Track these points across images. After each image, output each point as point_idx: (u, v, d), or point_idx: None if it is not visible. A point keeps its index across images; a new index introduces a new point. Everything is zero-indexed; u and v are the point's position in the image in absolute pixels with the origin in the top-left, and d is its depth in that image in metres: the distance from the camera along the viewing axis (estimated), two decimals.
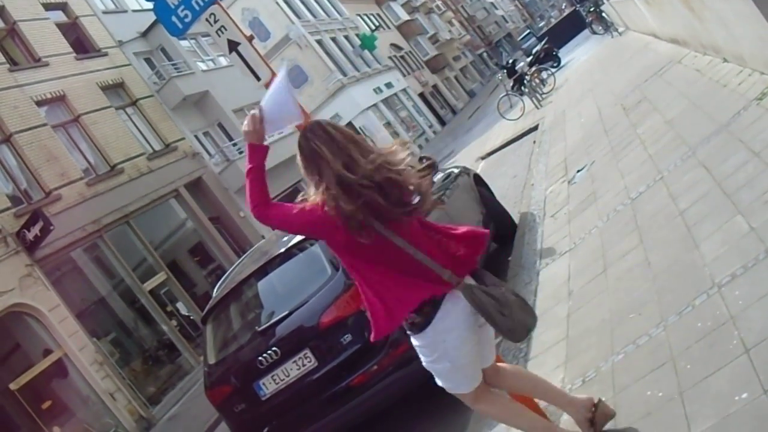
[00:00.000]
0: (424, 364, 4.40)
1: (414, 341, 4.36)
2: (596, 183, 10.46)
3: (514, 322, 4.21)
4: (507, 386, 4.76)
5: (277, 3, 55.07)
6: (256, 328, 7.57)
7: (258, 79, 4.70)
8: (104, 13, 33.89)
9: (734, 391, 3.94)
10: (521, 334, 4.32)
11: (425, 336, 4.23)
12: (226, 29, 4.74)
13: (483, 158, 23.91)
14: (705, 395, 4.13)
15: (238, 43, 4.71)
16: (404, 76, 70.53)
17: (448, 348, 4.20)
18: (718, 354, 4.36)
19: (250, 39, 4.75)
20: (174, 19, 4.86)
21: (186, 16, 4.82)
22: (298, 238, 7.63)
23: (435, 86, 79.03)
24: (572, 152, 13.88)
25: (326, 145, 3.97)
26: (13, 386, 19.81)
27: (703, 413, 4.00)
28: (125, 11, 35.80)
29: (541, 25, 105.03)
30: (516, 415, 4.58)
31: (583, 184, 10.97)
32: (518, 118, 26.82)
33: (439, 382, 4.43)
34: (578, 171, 10.67)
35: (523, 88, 28.98)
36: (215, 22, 4.76)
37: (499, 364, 4.72)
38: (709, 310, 4.89)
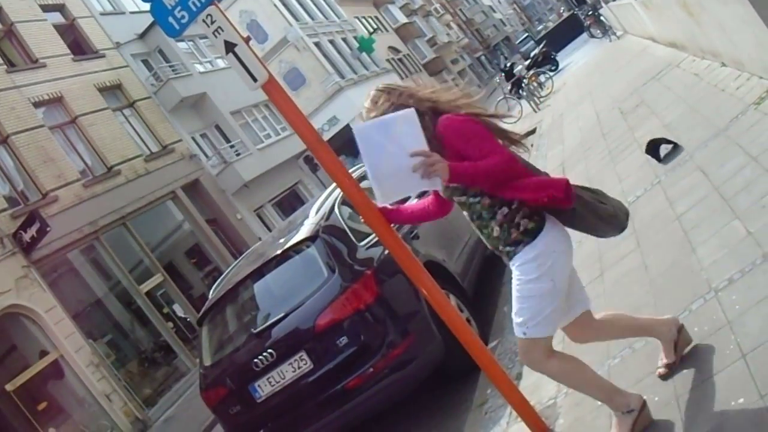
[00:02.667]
0: (518, 287, 4.24)
1: (519, 258, 4.21)
2: (594, 186, 10.42)
3: (615, 208, 4.36)
4: (602, 335, 4.84)
5: (275, 5, 55.01)
6: (252, 330, 7.56)
7: (254, 80, 4.68)
8: (102, 14, 33.89)
9: (731, 396, 3.93)
10: (623, 218, 4.42)
11: (535, 246, 4.12)
12: (222, 30, 4.72)
13: None
14: (701, 400, 4.12)
15: (235, 45, 4.69)
16: (402, 78, 70.52)
17: (556, 263, 4.13)
18: (714, 359, 4.35)
19: (246, 40, 4.74)
20: (171, 20, 4.84)
21: (183, 17, 4.80)
22: (294, 240, 7.63)
23: None
24: (570, 155, 13.88)
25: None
26: (9, 387, 19.81)
27: (699, 418, 3.99)
28: (123, 13, 35.78)
29: (539, 28, 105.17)
30: (584, 374, 4.46)
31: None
32: (516, 122, 26.82)
33: (521, 319, 4.26)
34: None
35: (521, 91, 29.04)
36: (212, 23, 4.74)
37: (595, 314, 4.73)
38: (706, 314, 4.88)
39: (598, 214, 4.25)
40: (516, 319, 4.29)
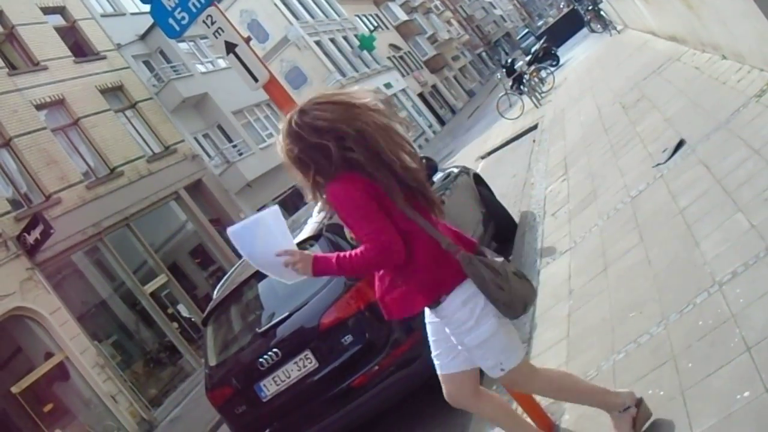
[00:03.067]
0: (462, 340, 4.04)
1: (444, 310, 4.01)
2: (596, 181, 10.44)
3: (512, 296, 3.94)
4: (537, 388, 4.51)
5: (275, 4, 55.06)
6: (257, 329, 7.56)
7: (255, 80, 4.68)
8: (102, 16, 33.93)
9: (736, 390, 3.92)
10: (518, 309, 4.01)
11: (458, 294, 3.95)
12: (223, 31, 4.72)
13: (483, 158, 23.91)
14: (706, 394, 4.11)
15: (236, 45, 4.70)
16: (403, 76, 70.52)
17: (484, 301, 3.93)
18: (719, 352, 4.34)
19: (247, 41, 4.75)
20: (171, 21, 4.85)
21: (183, 18, 4.81)
22: (298, 239, 7.63)
23: (434, 86, 79.02)
24: (572, 151, 13.87)
25: None
26: (14, 389, 19.86)
27: (704, 412, 3.98)
28: (123, 14, 35.82)
29: (539, 24, 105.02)
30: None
31: (584, 182, 10.96)
32: (517, 117, 26.83)
33: (490, 363, 4.10)
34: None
35: (522, 87, 29.00)
36: (212, 23, 4.75)
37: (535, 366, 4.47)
38: (710, 308, 4.87)
39: (492, 297, 3.92)
40: (485, 365, 4.14)
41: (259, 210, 22.69)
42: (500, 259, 4.08)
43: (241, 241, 3.96)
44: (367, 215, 3.78)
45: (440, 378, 4.40)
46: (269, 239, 3.93)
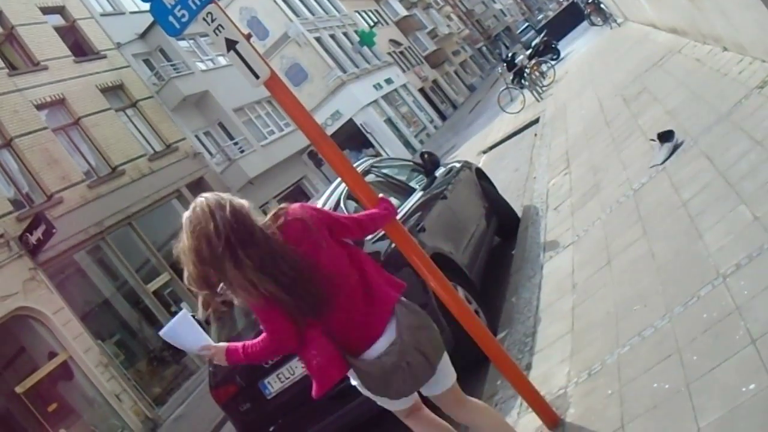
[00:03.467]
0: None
1: None
2: (598, 174, 10.43)
3: (384, 394, 4.24)
4: (467, 419, 4.62)
5: (275, 1, 55.03)
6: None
7: (257, 77, 4.66)
8: (102, 15, 33.94)
9: (741, 383, 3.91)
10: (392, 399, 4.30)
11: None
12: (223, 28, 4.70)
13: (484, 152, 23.91)
14: (712, 387, 4.10)
15: (236, 42, 4.67)
16: (404, 71, 70.51)
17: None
18: (724, 345, 4.33)
19: (248, 37, 4.73)
20: (171, 19, 4.82)
21: (183, 15, 4.79)
22: None
23: (435, 81, 79.00)
24: (573, 144, 13.86)
25: None
26: (18, 390, 19.89)
27: (710, 405, 3.97)
28: (123, 13, 35.81)
29: (539, 17, 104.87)
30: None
31: (586, 176, 10.94)
32: (519, 112, 26.83)
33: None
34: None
35: (523, 81, 28.99)
36: (213, 20, 4.72)
37: (468, 397, 4.58)
38: (715, 300, 4.86)
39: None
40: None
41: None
42: (394, 349, 4.10)
43: (175, 339, 4.42)
44: (260, 316, 4.15)
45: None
46: (189, 337, 4.45)
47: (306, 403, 7.19)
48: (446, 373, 4.33)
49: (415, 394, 4.38)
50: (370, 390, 4.16)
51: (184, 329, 4.42)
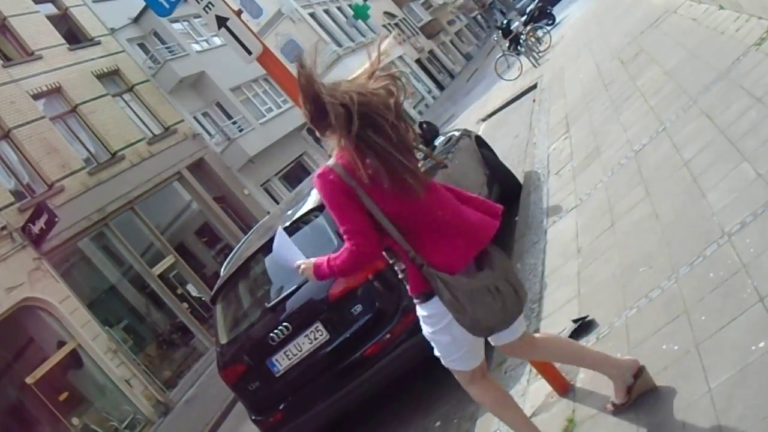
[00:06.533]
0: (425, 334, 4.20)
1: (419, 311, 4.15)
2: (598, 137, 10.39)
3: (474, 321, 3.94)
4: (542, 356, 4.71)
5: None
6: (266, 304, 7.54)
7: (249, 53, 4.62)
8: (94, 1, 33.70)
9: (751, 341, 3.89)
10: (482, 332, 4.09)
11: (431, 305, 4.02)
12: (213, 5, 4.66)
13: (484, 120, 23.83)
14: (721, 346, 4.08)
15: (227, 19, 4.63)
16: (399, 43, 70.22)
17: (453, 323, 3.97)
18: (732, 304, 4.31)
19: (238, 13, 4.68)
20: None
21: None
22: (302, 210, 7.60)
23: (431, 52, 78.62)
24: (573, 108, 13.80)
25: None
26: (29, 380, 19.94)
27: (720, 365, 3.95)
28: None
29: None
30: (503, 408, 4.48)
31: (586, 139, 10.90)
32: (516, 78, 26.74)
33: (437, 353, 4.28)
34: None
35: (519, 47, 28.89)
36: None
37: (534, 334, 4.62)
38: (721, 259, 4.84)
39: (454, 316, 3.94)
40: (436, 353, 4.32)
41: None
42: (484, 273, 4.05)
43: (279, 258, 4.64)
44: (345, 214, 3.89)
45: None
46: (283, 253, 4.58)
47: (315, 380, 7.24)
48: (522, 318, 4.34)
49: (483, 353, 4.33)
50: (460, 316, 3.92)
51: (284, 248, 4.57)
